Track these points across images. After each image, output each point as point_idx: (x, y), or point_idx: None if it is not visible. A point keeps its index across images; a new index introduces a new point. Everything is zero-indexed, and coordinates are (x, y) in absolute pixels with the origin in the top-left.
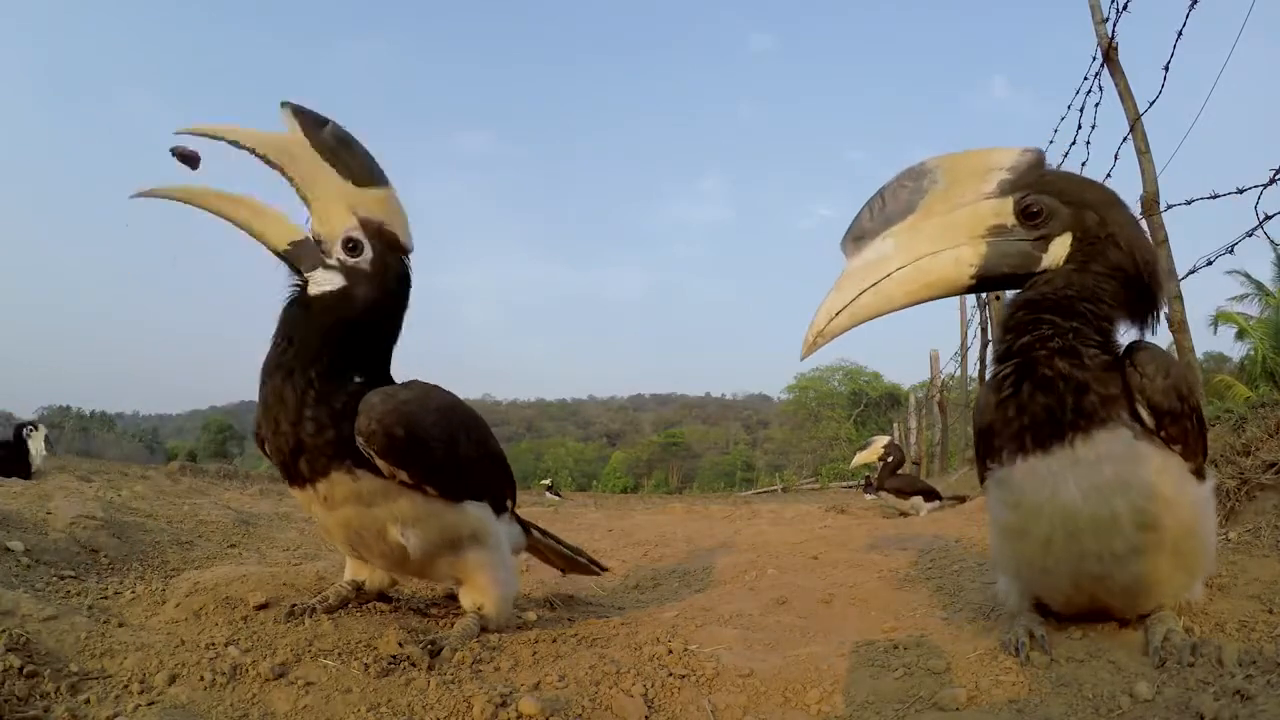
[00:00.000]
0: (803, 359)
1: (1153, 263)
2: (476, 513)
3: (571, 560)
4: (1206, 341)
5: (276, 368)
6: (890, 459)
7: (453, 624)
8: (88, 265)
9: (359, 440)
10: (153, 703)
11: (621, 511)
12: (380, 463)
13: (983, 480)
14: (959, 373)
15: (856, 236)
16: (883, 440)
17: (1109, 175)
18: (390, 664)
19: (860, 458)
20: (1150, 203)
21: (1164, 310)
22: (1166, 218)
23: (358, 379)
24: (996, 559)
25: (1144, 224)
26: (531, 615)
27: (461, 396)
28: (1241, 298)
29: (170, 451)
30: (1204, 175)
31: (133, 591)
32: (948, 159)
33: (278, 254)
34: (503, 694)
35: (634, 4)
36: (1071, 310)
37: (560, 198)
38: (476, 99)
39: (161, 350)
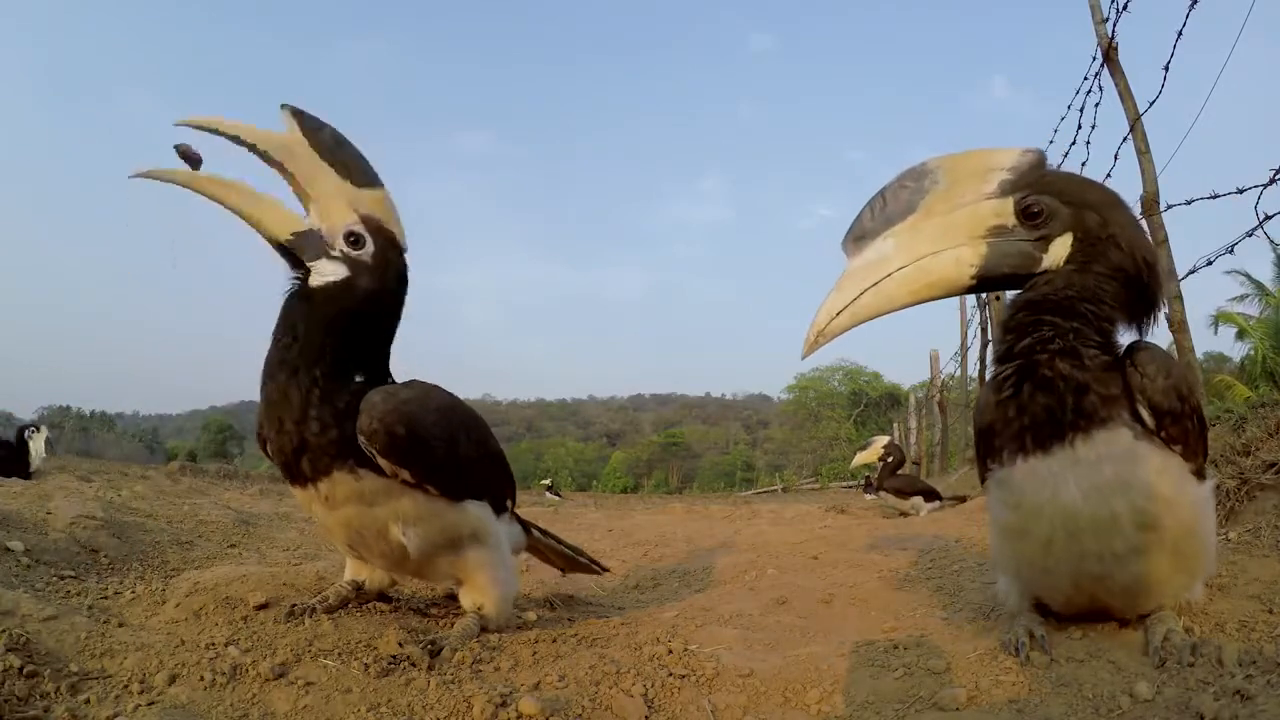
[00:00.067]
0: (804, 358)
1: (1154, 263)
2: (477, 512)
3: (572, 560)
4: (1206, 341)
5: (281, 365)
6: (890, 459)
7: (453, 624)
8: (88, 265)
9: (361, 439)
10: (153, 703)
11: (621, 511)
12: (382, 461)
13: (983, 480)
14: (959, 373)
15: (858, 236)
16: (883, 440)
17: (1109, 175)
18: (390, 664)
19: (860, 458)
20: (1150, 203)
21: (1164, 311)
22: (1166, 218)
23: (359, 378)
24: (996, 559)
25: (1144, 224)
26: (531, 615)
27: (461, 396)
28: (1241, 298)
29: (170, 451)
30: (1204, 175)
31: (133, 591)
32: (949, 159)
33: (278, 243)
34: (503, 694)
35: (634, 4)
36: (1072, 311)
37: (560, 198)
38: (476, 99)
39: (161, 350)
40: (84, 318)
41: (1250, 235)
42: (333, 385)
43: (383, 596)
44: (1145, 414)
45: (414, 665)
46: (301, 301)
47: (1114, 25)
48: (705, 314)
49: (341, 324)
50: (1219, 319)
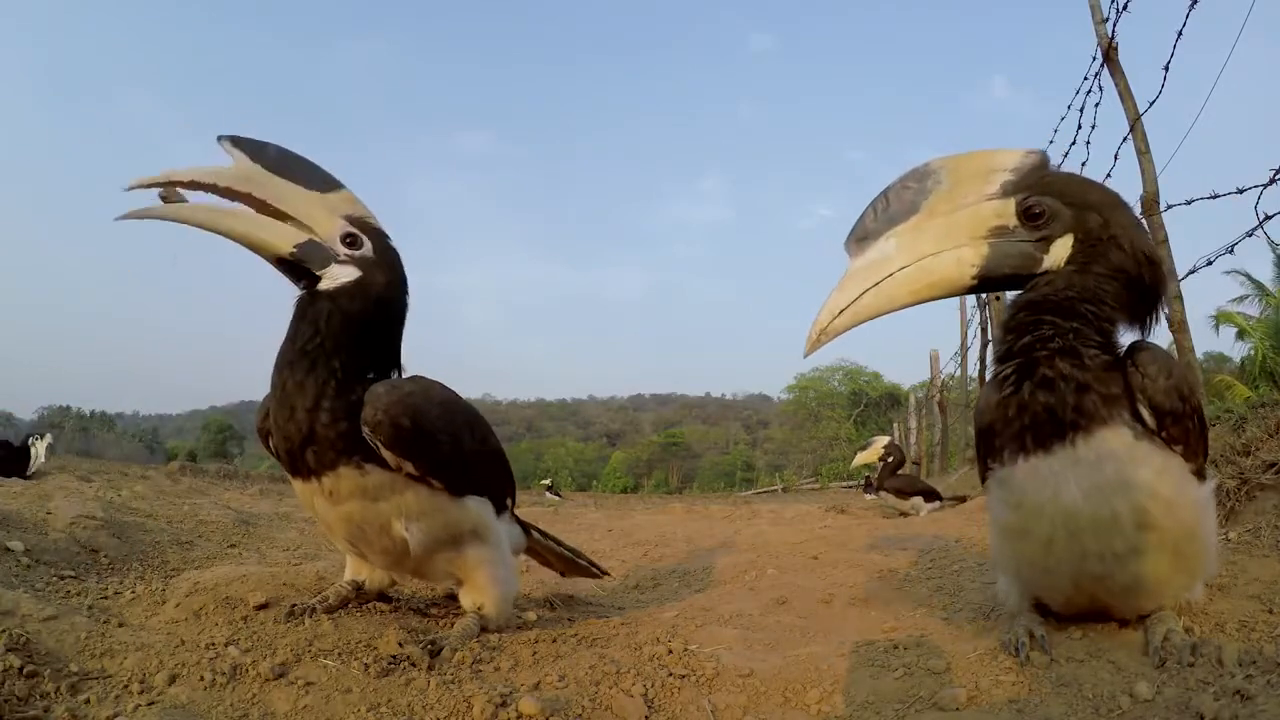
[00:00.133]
0: (805, 356)
1: (1156, 264)
2: (478, 509)
3: (571, 562)
4: (1207, 341)
5: (302, 356)
6: (890, 459)
7: (453, 624)
8: (88, 265)
9: (365, 430)
10: (153, 703)
11: (621, 511)
12: (386, 454)
13: (984, 480)
14: (959, 373)
15: (860, 237)
16: (883, 440)
17: (1109, 175)
18: (390, 664)
19: (860, 458)
20: (1150, 203)
21: (1165, 311)
22: (1166, 218)
23: (370, 375)
24: (997, 559)
25: (1144, 224)
26: (531, 615)
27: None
28: (1242, 298)
29: (170, 451)
30: (1204, 175)
31: (133, 591)
32: (951, 160)
33: (282, 259)
34: (503, 694)
35: (634, 4)
36: (1072, 311)
37: (560, 198)
38: (476, 99)
39: (161, 350)
40: (84, 318)
41: (1250, 235)
42: (348, 379)
43: (383, 596)
44: (1146, 414)
45: (414, 665)
46: (323, 301)
47: (1114, 25)
48: (705, 314)
49: (363, 319)
50: (1219, 319)
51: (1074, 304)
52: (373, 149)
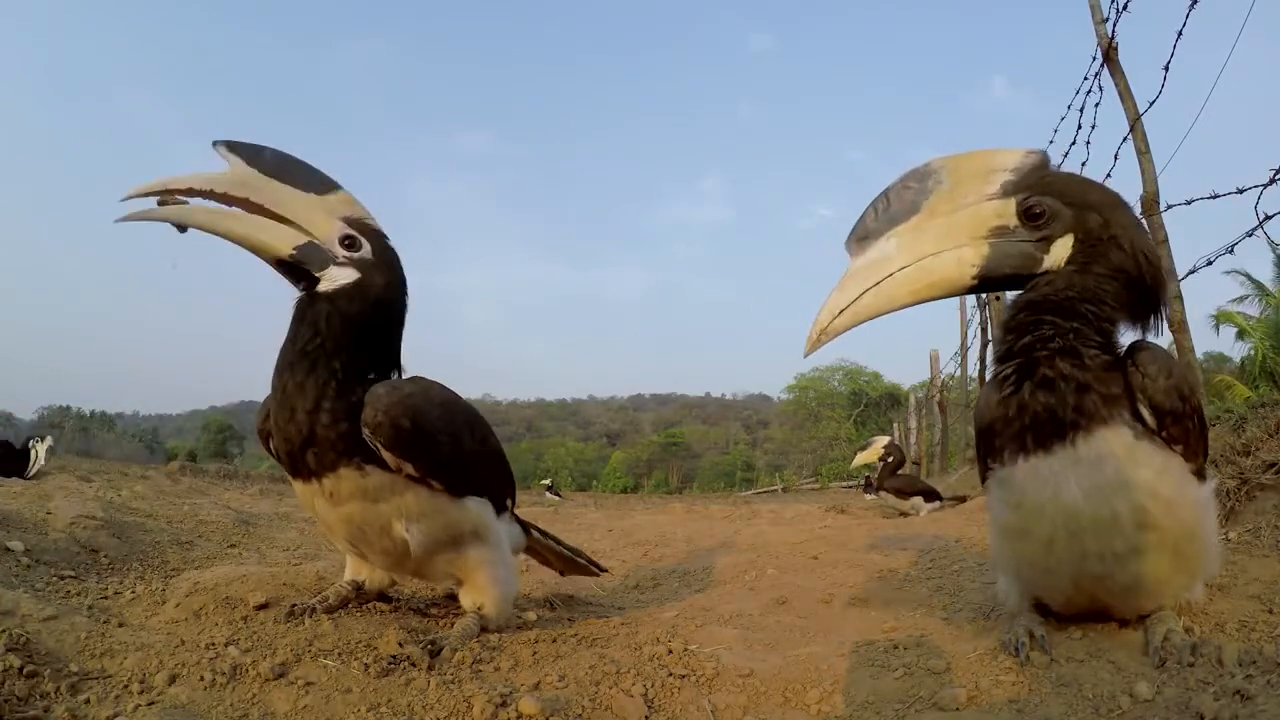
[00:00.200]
0: (806, 356)
1: (1156, 264)
2: (478, 509)
3: (571, 562)
4: (1207, 341)
5: (302, 357)
6: (890, 459)
7: (453, 624)
8: (88, 265)
9: (365, 432)
10: (153, 703)
11: (621, 511)
12: (387, 455)
13: (984, 480)
14: (959, 373)
15: (861, 236)
16: (883, 440)
17: (1109, 175)
18: (390, 664)
19: (860, 458)
20: (1150, 203)
21: (1166, 311)
22: (1166, 218)
23: (371, 375)
24: (997, 559)
25: (1144, 224)
26: (531, 615)
27: (461, 396)
28: (1241, 298)
29: (170, 451)
30: (1204, 175)
31: (133, 591)
32: (952, 160)
33: (282, 261)
34: (503, 694)
35: (634, 4)
36: (1072, 311)
37: (560, 198)
38: (476, 99)
39: (161, 350)
40: (84, 318)
41: (1250, 235)
42: (348, 380)
43: (383, 596)
44: (1146, 414)
45: (414, 665)
46: (323, 302)
47: (1114, 25)
48: (705, 314)
49: (362, 320)
50: (1219, 319)
51: (1074, 304)
52: (372, 149)
